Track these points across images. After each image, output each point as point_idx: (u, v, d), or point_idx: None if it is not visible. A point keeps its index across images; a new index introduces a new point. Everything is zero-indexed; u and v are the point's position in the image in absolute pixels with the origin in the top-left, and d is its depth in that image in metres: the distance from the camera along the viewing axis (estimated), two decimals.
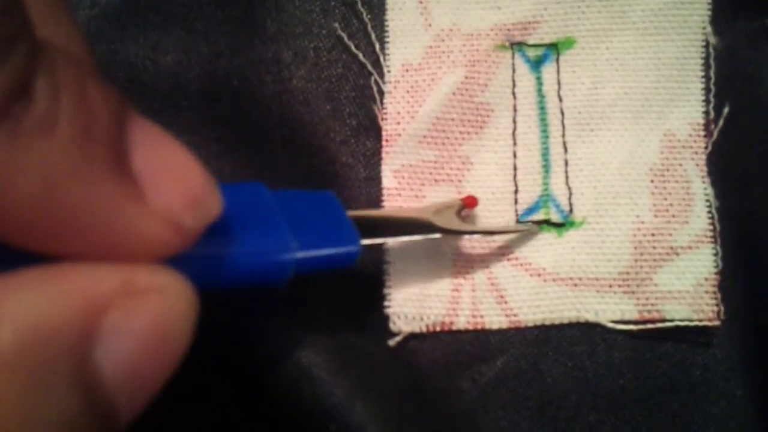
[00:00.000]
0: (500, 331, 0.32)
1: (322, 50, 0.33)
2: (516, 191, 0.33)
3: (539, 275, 0.32)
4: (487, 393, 0.32)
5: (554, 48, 0.33)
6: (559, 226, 0.32)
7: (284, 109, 0.33)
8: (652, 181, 0.32)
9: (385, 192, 0.32)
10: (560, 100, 0.33)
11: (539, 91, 0.33)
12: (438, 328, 0.32)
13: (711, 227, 0.32)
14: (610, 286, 0.32)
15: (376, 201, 0.32)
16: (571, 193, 0.32)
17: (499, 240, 0.32)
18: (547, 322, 0.32)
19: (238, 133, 0.33)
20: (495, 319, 0.32)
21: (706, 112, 0.33)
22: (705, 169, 0.32)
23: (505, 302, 0.32)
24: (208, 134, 0.33)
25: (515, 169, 0.33)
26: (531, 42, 0.33)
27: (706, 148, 0.32)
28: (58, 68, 0.17)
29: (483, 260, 0.32)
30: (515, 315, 0.32)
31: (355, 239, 0.27)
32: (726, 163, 0.32)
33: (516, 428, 0.31)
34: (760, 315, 0.32)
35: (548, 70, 0.33)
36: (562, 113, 0.33)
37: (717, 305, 0.31)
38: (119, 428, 0.19)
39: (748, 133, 0.33)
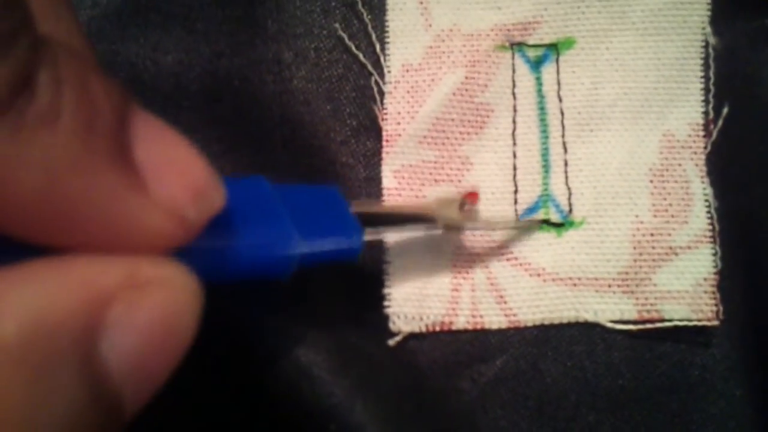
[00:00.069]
0: (500, 331, 0.32)
1: (322, 50, 0.33)
2: (516, 191, 0.33)
3: (539, 275, 0.32)
4: (486, 393, 0.32)
5: (554, 48, 0.33)
6: (559, 226, 0.32)
7: (285, 109, 0.33)
8: (651, 181, 0.32)
9: (385, 192, 0.32)
10: (560, 100, 0.33)
11: (539, 91, 0.33)
12: (437, 328, 0.32)
13: (710, 227, 0.32)
14: (610, 286, 0.32)
15: None
16: (570, 193, 0.33)
17: (498, 240, 0.32)
18: (546, 322, 0.32)
19: (239, 133, 0.33)
20: (494, 319, 0.32)
21: (706, 113, 0.33)
22: (704, 169, 0.32)
23: (505, 302, 0.32)
24: (209, 134, 0.33)
25: (515, 169, 0.33)
26: (531, 42, 0.33)
27: (705, 148, 0.33)
28: (60, 62, 0.18)
29: (482, 260, 0.32)
30: (515, 315, 0.32)
31: (357, 232, 0.27)
32: (725, 164, 0.33)
33: (515, 428, 0.32)
34: (759, 315, 0.32)
35: (548, 71, 0.33)
36: (562, 113, 0.33)
37: (716, 305, 0.31)
38: (125, 421, 0.19)
39: (747, 133, 0.33)
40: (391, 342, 0.32)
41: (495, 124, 0.33)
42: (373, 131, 0.33)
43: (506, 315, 0.32)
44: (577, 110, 0.33)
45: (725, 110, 0.33)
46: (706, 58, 0.33)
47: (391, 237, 0.32)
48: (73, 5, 0.23)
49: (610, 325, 0.32)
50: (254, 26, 0.33)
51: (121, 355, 0.18)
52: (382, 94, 0.33)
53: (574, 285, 0.32)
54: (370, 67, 0.33)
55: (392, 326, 0.32)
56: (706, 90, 0.33)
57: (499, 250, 0.32)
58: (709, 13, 0.33)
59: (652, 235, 0.32)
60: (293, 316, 0.30)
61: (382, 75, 0.33)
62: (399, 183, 0.32)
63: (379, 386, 0.30)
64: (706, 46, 0.33)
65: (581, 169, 0.33)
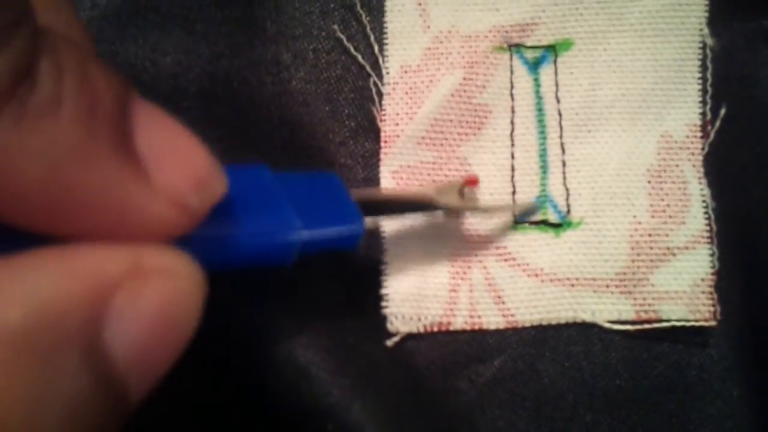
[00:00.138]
0: (497, 332, 0.32)
1: (321, 52, 0.33)
2: (514, 192, 0.33)
3: (536, 275, 0.32)
4: (484, 393, 0.32)
5: (552, 50, 0.33)
6: (557, 226, 0.32)
7: (283, 111, 0.33)
8: (649, 182, 0.32)
9: None
10: (558, 101, 0.33)
11: (537, 92, 0.33)
12: (435, 329, 0.32)
13: (708, 228, 0.32)
14: (607, 286, 0.32)
15: None
16: (568, 194, 0.33)
17: (497, 240, 0.32)
18: (544, 323, 0.32)
19: (238, 134, 0.33)
20: (492, 320, 0.32)
21: (703, 114, 0.33)
22: (702, 170, 0.32)
23: (503, 302, 0.32)
24: (208, 135, 0.33)
25: (513, 170, 0.33)
26: (529, 44, 0.33)
27: (702, 149, 0.33)
28: (61, 51, 0.18)
29: (480, 260, 0.32)
30: (512, 315, 0.32)
31: (358, 219, 0.27)
32: (723, 164, 0.33)
33: (513, 428, 0.32)
34: (757, 315, 0.32)
35: (546, 72, 0.33)
36: (560, 114, 0.33)
37: (713, 305, 0.31)
38: (129, 410, 0.19)
39: (744, 134, 0.33)
40: (389, 342, 0.32)
41: (493, 125, 0.33)
42: (372, 132, 0.33)
43: (504, 315, 0.32)
44: (575, 111, 0.33)
45: (723, 111, 0.33)
46: (703, 60, 0.33)
47: (392, 223, 0.32)
48: None
49: (607, 325, 0.32)
50: (253, 27, 0.33)
51: (125, 343, 0.18)
52: (380, 95, 0.33)
53: (572, 285, 0.32)
54: (368, 69, 0.33)
55: (390, 327, 0.32)
56: (704, 91, 0.33)
57: (497, 250, 0.32)
58: (706, 14, 0.33)
59: (649, 235, 0.32)
60: (292, 316, 0.30)
61: (380, 76, 0.33)
62: (397, 184, 0.32)
63: (377, 386, 0.30)
64: (704, 47, 0.33)
65: (579, 169, 0.33)
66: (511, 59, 0.33)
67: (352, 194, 0.28)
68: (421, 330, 0.32)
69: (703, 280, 0.32)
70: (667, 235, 0.32)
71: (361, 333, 0.31)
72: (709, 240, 0.32)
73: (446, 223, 0.32)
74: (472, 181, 0.32)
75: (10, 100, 0.16)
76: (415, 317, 0.32)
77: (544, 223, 0.33)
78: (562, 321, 0.32)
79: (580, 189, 0.33)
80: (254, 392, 0.30)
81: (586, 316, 0.32)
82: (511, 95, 0.33)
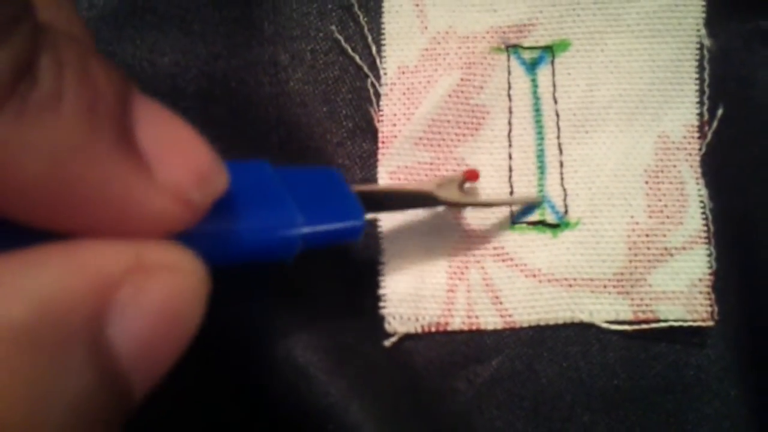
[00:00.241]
0: (495, 332, 0.32)
1: (319, 53, 0.33)
2: (511, 192, 0.33)
3: (534, 276, 0.32)
4: (482, 393, 0.32)
5: (549, 50, 0.33)
6: (554, 227, 0.33)
7: (281, 111, 0.33)
8: (646, 183, 0.32)
9: None
10: (555, 102, 0.33)
11: (534, 93, 0.33)
12: (433, 329, 0.32)
13: (705, 228, 0.32)
14: (605, 286, 0.32)
15: None
16: (566, 195, 0.33)
17: (494, 240, 0.32)
18: (542, 323, 0.32)
19: (235, 134, 0.33)
20: (490, 320, 0.32)
21: (700, 114, 0.33)
22: (699, 170, 0.32)
23: (500, 303, 0.32)
24: (205, 135, 0.33)
25: (510, 170, 0.33)
26: (526, 44, 0.33)
27: (700, 149, 0.33)
28: (61, 47, 0.18)
29: (478, 261, 0.32)
30: (510, 315, 0.32)
31: (359, 213, 0.27)
32: (720, 165, 0.33)
33: (511, 428, 0.32)
34: (754, 315, 0.32)
35: (543, 73, 0.33)
36: (557, 115, 0.33)
37: (711, 306, 0.31)
38: (133, 405, 0.19)
39: (741, 134, 0.33)
40: (387, 343, 0.32)
41: (490, 125, 0.33)
42: (369, 133, 0.33)
43: (502, 315, 0.32)
44: (573, 112, 0.33)
45: (720, 112, 0.33)
46: (700, 60, 0.33)
47: (390, 223, 0.32)
48: None
49: (605, 325, 0.32)
50: (251, 28, 0.33)
51: (128, 339, 0.18)
52: (378, 95, 0.33)
53: (570, 286, 0.32)
54: (366, 69, 0.33)
55: (388, 327, 0.32)
56: (701, 92, 0.33)
57: (495, 250, 0.32)
58: (703, 15, 0.33)
59: (647, 235, 0.32)
60: (290, 316, 0.30)
61: (378, 77, 0.33)
62: None
63: (375, 386, 0.30)
64: (701, 48, 0.33)
65: (576, 170, 0.33)
66: (508, 60, 0.33)
67: (352, 189, 0.28)
68: (419, 330, 0.32)
69: (700, 280, 0.32)
70: (664, 236, 0.32)
71: (359, 333, 0.31)
72: (707, 240, 0.32)
73: (445, 221, 0.32)
74: (473, 175, 0.32)
75: (11, 96, 0.16)
76: (412, 317, 0.32)
77: (542, 224, 0.33)
78: (560, 321, 0.32)
79: (578, 189, 0.33)
80: (253, 392, 0.30)
81: (584, 317, 0.32)
82: (509, 96, 0.33)
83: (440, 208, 0.31)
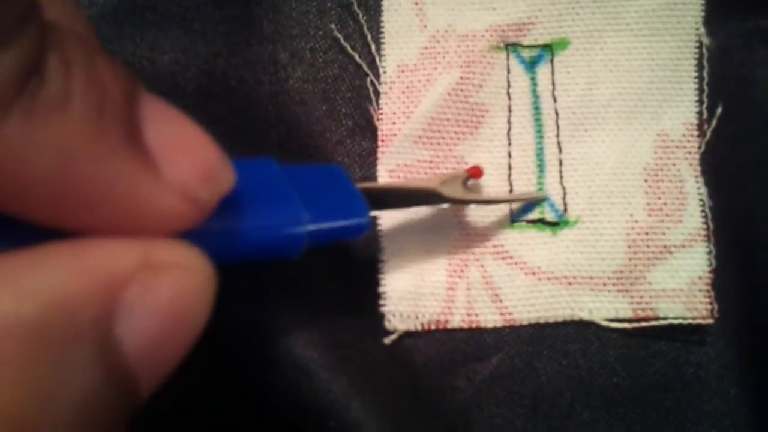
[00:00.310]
0: (495, 330, 0.32)
1: (318, 51, 0.33)
2: (511, 191, 0.33)
3: (534, 274, 0.32)
4: (481, 391, 0.32)
5: (549, 49, 0.33)
6: (554, 225, 0.33)
7: (281, 110, 0.33)
8: (645, 181, 0.32)
9: None
10: (555, 100, 0.33)
11: (534, 91, 0.33)
12: (433, 327, 0.32)
13: (704, 226, 0.32)
14: (605, 284, 0.32)
15: None
16: (565, 193, 0.33)
17: (494, 238, 0.32)
18: (541, 321, 0.32)
19: (235, 133, 0.33)
20: (490, 318, 0.32)
21: (700, 113, 0.33)
22: (698, 168, 0.33)
23: (500, 301, 0.32)
24: None
25: (510, 168, 0.33)
26: (525, 43, 0.33)
27: (699, 148, 0.33)
28: (68, 46, 0.18)
29: (478, 258, 0.32)
30: (510, 313, 0.32)
31: (364, 210, 0.27)
32: (719, 163, 0.33)
33: (510, 426, 0.32)
34: (754, 313, 0.32)
35: (543, 71, 0.33)
36: (557, 113, 0.33)
37: (710, 303, 0.31)
38: (139, 403, 0.19)
39: (741, 133, 0.33)
40: (387, 340, 0.32)
41: (490, 124, 0.33)
42: (369, 131, 0.33)
43: (501, 313, 0.32)
44: (572, 110, 0.33)
45: (719, 110, 0.33)
46: (699, 59, 0.33)
47: (390, 221, 0.32)
48: None
49: (605, 323, 0.32)
50: (250, 27, 0.33)
51: (136, 337, 0.18)
52: (377, 94, 0.33)
53: (569, 284, 0.32)
54: (365, 68, 0.33)
55: (388, 325, 0.32)
56: (700, 90, 0.33)
57: (495, 248, 0.32)
58: (702, 13, 0.33)
59: (646, 233, 0.32)
60: (290, 314, 0.30)
61: (377, 75, 0.33)
62: None
63: (375, 384, 0.30)
64: (700, 46, 0.33)
65: (576, 168, 0.33)
66: (507, 58, 0.33)
67: (357, 186, 0.28)
68: (419, 328, 0.32)
69: (700, 278, 0.32)
70: (664, 234, 0.32)
71: (360, 331, 0.31)
72: (706, 238, 0.32)
73: (445, 219, 0.32)
74: (477, 173, 0.32)
75: (20, 96, 0.16)
76: (412, 315, 0.32)
77: (541, 222, 0.33)
78: (560, 319, 0.32)
79: (577, 188, 0.33)
80: (253, 389, 0.30)
81: (584, 315, 0.32)
82: (508, 94, 0.33)
83: (441, 206, 0.31)
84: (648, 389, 0.32)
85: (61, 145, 0.17)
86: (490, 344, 0.32)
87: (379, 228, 0.32)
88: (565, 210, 0.33)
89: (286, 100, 0.33)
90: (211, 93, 0.33)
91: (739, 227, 0.33)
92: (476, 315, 0.32)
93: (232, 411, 0.31)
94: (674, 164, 0.33)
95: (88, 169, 0.17)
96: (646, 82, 0.33)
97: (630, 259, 0.32)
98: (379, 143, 0.33)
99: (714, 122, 0.33)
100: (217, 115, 0.33)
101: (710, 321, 0.31)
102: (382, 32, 0.33)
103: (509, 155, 0.33)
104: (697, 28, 0.33)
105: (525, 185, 0.33)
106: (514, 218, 0.33)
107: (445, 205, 0.31)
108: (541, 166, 0.33)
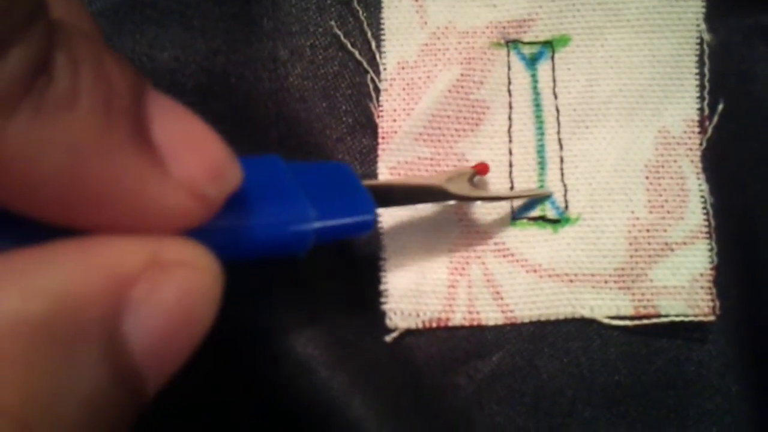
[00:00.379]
0: (496, 327, 0.32)
1: (318, 48, 0.33)
2: (511, 188, 0.33)
3: (535, 271, 0.32)
4: (482, 389, 0.32)
5: (549, 45, 0.33)
6: (555, 222, 0.33)
7: (281, 107, 0.33)
8: (647, 178, 0.32)
9: None
10: (555, 97, 0.33)
11: (534, 88, 0.33)
12: (434, 324, 0.32)
13: (706, 223, 0.32)
14: (606, 281, 0.32)
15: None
16: (566, 190, 0.33)
17: (495, 236, 0.32)
18: (542, 318, 0.32)
19: (235, 130, 0.33)
20: (491, 315, 0.32)
21: (701, 109, 0.33)
22: (700, 165, 0.32)
23: (501, 298, 0.32)
24: None
25: (511, 166, 0.33)
26: (526, 39, 0.33)
27: (700, 144, 0.33)
28: (76, 43, 0.18)
29: (479, 256, 0.32)
30: (511, 311, 0.32)
31: (370, 207, 0.27)
32: (720, 160, 0.33)
33: (511, 424, 0.32)
34: (755, 311, 0.32)
35: (543, 68, 0.33)
36: (558, 110, 0.33)
37: (712, 300, 0.31)
38: (146, 401, 0.19)
39: (742, 129, 0.33)
40: (388, 338, 0.32)
41: (491, 121, 0.33)
42: (369, 128, 0.33)
43: (503, 311, 0.32)
44: (573, 107, 0.33)
45: (720, 107, 0.33)
46: (700, 55, 0.33)
47: (394, 213, 0.32)
48: None
49: (606, 320, 0.32)
50: (250, 24, 0.33)
51: (143, 335, 0.18)
52: (377, 91, 0.33)
53: (571, 281, 0.32)
54: (365, 65, 0.33)
55: (389, 322, 0.32)
56: (701, 86, 0.33)
57: (496, 246, 0.32)
58: (703, 9, 0.33)
59: (648, 231, 0.32)
60: (292, 312, 0.30)
61: (377, 72, 0.33)
62: None
63: (376, 382, 0.30)
64: (701, 42, 0.33)
65: (577, 165, 0.33)
66: (508, 55, 0.33)
67: (363, 183, 0.28)
68: (420, 326, 0.32)
69: (701, 275, 0.32)
70: (665, 231, 0.32)
71: (361, 329, 0.31)
72: (708, 235, 0.32)
73: (446, 217, 0.32)
74: (483, 169, 0.32)
75: (28, 94, 0.16)
76: (413, 313, 0.31)
77: (542, 219, 0.33)
78: (561, 317, 0.32)
79: (578, 185, 0.33)
80: (254, 387, 0.30)
81: (585, 312, 0.32)
82: (509, 91, 0.33)
83: (443, 204, 0.31)
84: (649, 387, 0.32)
85: (69, 143, 0.17)
86: (491, 342, 0.32)
87: (380, 226, 0.32)
88: (566, 207, 0.33)
89: (286, 97, 0.33)
90: (211, 90, 0.33)
91: (740, 224, 0.33)
92: (477, 313, 0.32)
93: (233, 408, 0.31)
94: (675, 161, 0.32)
95: (96, 167, 0.18)
96: (647, 79, 0.33)
97: (631, 257, 0.32)
98: (380, 140, 0.33)
99: (715, 119, 0.33)
100: (216, 113, 0.33)
101: (712, 318, 0.31)
102: (383, 29, 0.33)
103: (510, 152, 0.33)
104: (698, 25, 0.33)
105: (526, 182, 0.33)
106: (515, 216, 0.33)
107: (451, 202, 0.30)
108: (542, 163, 0.33)
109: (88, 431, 0.17)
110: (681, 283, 0.31)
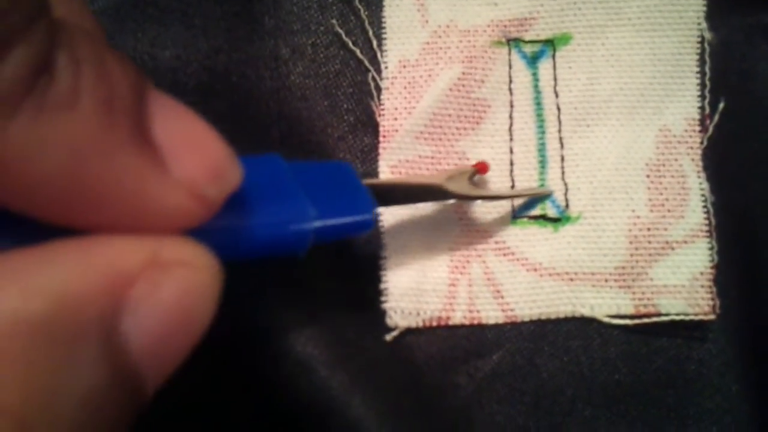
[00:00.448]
0: (496, 326, 0.32)
1: (319, 47, 0.33)
2: (512, 187, 0.33)
3: (535, 270, 0.32)
4: (482, 388, 0.32)
5: (550, 44, 0.33)
6: (556, 221, 0.33)
7: (282, 105, 0.33)
8: (647, 176, 0.32)
9: None
10: (556, 95, 0.33)
11: (535, 87, 0.33)
12: (435, 323, 0.32)
13: (706, 222, 0.32)
14: (606, 280, 0.32)
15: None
16: (567, 189, 0.33)
17: (495, 235, 0.32)
18: (543, 317, 0.32)
19: (236, 128, 0.33)
20: (491, 314, 0.32)
21: (702, 108, 0.33)
22: (700, 164, 0.32)
23: (502, 297, 0.32)
24: None
25: (512, 164, 0.33)
26: (527, 38, 0.33)
27: (701, 143, 0.33)
28: (77, 43, 0.18)
29: (479, 255, 0.32)
30: (511, 310, 0.32)
31: (370, 207, 0.27)
32: (721, 158, 0.33)
33: (511, 423, 0.32)
34: (755, 310, 0.32)
35: (544, 66, 0.33)
36: (559, 109, 0.33)
37: (712, 299, 0.31)
38: (145, 400, 0.19)
39: (742, 128, 0.33)
40: (388, 337, 0.32)
41: (492, 119, 0.33)
42: (371, 127, 0.33)
43: (503, 310, 0.32)
44: (574, 105, 0.33)
45: (721, 105, 0.33)
46: (701, 54, 0.33)
47: (392, 217, 0.32)
48: None
49: (606, 319, 0.32)
50: (252, 22, 0.33)
51: (142, 335, 0.19)
52: (379, 89, 0.33)
53: (571, 280, 0.32)
54: (367, 63, 0.33)
55: (389, 321, 0.32)
56: (702, 85, 0.33)
57: (496, 245, 0.32)
58: (704, 8, 0.33)
59: (648, 229, 0.32)
60: (292, 311, 0.30)
61: (379, 71, 0.33)
62: None
63: (376, 381, 0.30)
64: (702, 41, 0.33)
65: (578, 164, 0.33)
66: (509, 54, 0.33)
67: (363, 182, 0.28)
68: (420, 324, 0.32)
69: (702, 273, 0.32)
70: (666, 229, 0.32)
71: (361, 327, 0.31)
72: (708, 234, 0.32)
73: (446, 215, 0.32)
74: (483, 168, 0.32)
75: (30, 94, 0.16)
76: (414, 312, 0.32)
77: (543, 218, 0.33)
78: (561, 315, 0.32)
79: (579, 183, 0.33)
80: (254, 386, 0.30)
81: (585, 311, 0.32)
82: (510, 90, 0.33)
83: (444, 202, 0.31)
84: (649, 386, 0.32)
85: (70, 143, 0.17)
86: (492, 341, 0.32)
87: (380, 224, 0.32)
88: (567, 206, 0.33)
89: (287, 95, 0.33)
90: (212, 89, 0.33)
91: (741, 224, 0.33)
92: (478, 311, 0.32)
93: (233, 408, 0.31)
94: (676, 159, 0.32)
95: (97, 166, 0.18)
96: (648, 77, 0.33)
97: (632, 255, 0.32)
98: (381, 139, 0.33)
99: (716, 117, 0.33)
100: (218, 111, 0.33)
101: (712, 317, 0.31)
102: (384, 27, 0.33)
103: (511, 151, 0.33)
104: (699, 23, 0.33)
105: (527, 181, 0.33)
106: (515, 214, 0.33)
107: (451, 201, 0.31)
108: (543, 162, 0.33)
109: (87, 430, 0.17)
110: (681, 281, 0.31)
